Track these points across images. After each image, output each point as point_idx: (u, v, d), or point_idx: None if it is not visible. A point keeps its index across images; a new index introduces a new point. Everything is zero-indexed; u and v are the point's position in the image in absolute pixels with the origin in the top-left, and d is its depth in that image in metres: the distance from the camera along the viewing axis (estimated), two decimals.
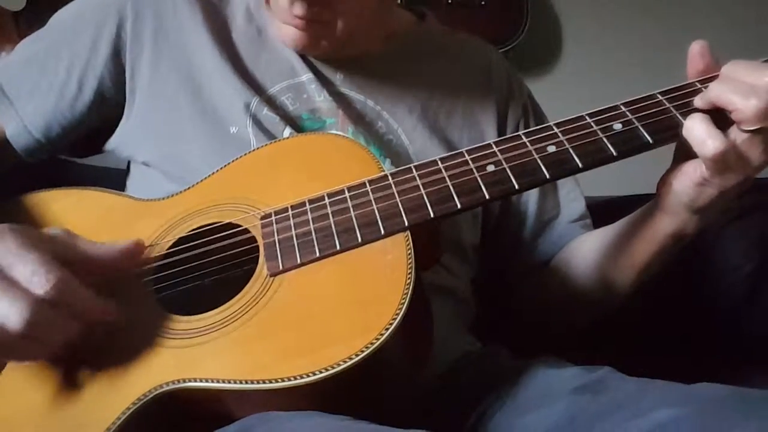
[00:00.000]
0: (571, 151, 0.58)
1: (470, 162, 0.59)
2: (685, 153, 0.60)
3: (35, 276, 0.49)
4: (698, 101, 0.59)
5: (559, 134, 0.59)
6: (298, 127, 0.74)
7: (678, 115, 0.58)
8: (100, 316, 0.53)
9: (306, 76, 0.76)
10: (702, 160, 0.57)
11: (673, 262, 0.70)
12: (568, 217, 0.83)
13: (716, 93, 0.57)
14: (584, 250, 0.78)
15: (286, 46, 0.75)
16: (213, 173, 0.67)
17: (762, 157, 0.56)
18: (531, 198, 0.83)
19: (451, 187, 0.58)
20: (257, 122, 0.72)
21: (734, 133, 0.56)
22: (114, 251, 0.57)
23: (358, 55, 0.79)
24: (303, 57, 0.77)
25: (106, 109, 0.75)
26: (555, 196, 0.84)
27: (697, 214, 0.62)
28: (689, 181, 0.59)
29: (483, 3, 1.76)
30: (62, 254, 0.52)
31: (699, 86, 0.60)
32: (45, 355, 0.53)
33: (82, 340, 0.52)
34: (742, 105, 0.55)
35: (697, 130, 0.56)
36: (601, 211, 0.85)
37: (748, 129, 0.55)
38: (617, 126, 0.59)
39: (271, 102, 0.74)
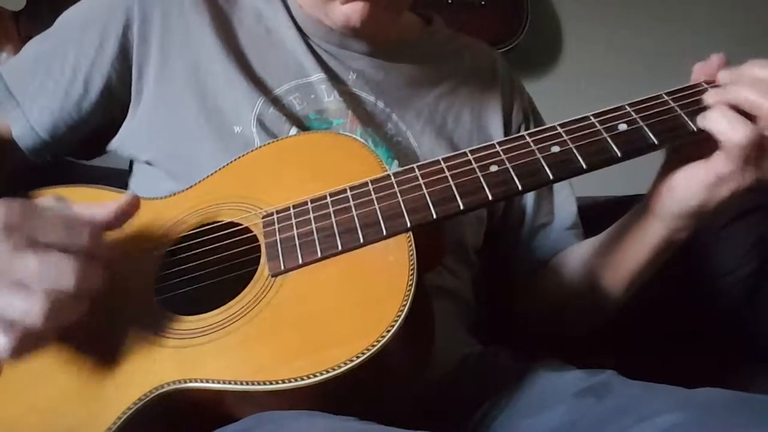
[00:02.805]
0: (575, 151, 0.58)
1: (473, 162, 0.59)
2: (680, 158, 0.59)
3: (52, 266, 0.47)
4: (712, 99, 0.58)
5: (563, 134, 0.59)
6: (304, 127, 0.73)
7: (684, 116, 0.58)
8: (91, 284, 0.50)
9: (316, 76, 0.75)
10: (726, 152, 0.56)
11: (672, 263, 0.70)
12: (562, 224, 0.83)
13: (735, 94, 0.56)
14: (577, 257, 0.78)
15: (349, 25, 0.72)
16: (215, 172, 0.66)
17: None
18: (528, 201, 0.83)
19: (453, 188, 0.58)
20: (262, 122, 0.71)
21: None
22: (109, 212, 0.55)
23: (396, 39, 0.80)
24: (315, 56, 0.76)
25: (112, 108, 0.75)
26: (550, 201, 0.84)
27: (699, 219, 0.61)
28: (700, 184, 0.58)
29: (483, 3, 1.76)
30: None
31: (705, 86, 0.60)
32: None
33: (80, 341, 0.52)
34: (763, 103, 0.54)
35: (725, 118, 0.55)
36: (601, 211, 0.85)
37: None
38: (622, 126, 0.58)
39: (277, 102, 0.74)
